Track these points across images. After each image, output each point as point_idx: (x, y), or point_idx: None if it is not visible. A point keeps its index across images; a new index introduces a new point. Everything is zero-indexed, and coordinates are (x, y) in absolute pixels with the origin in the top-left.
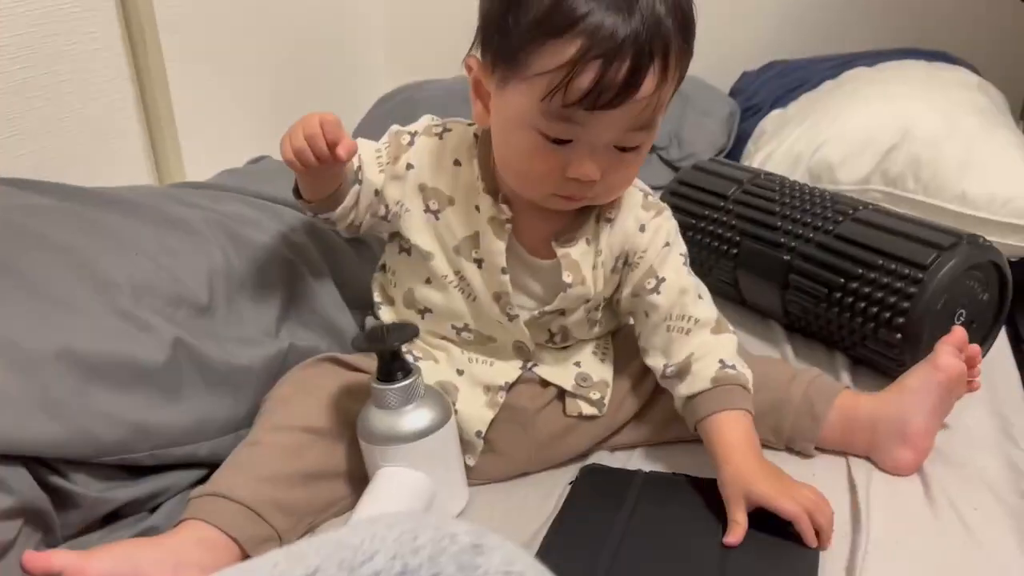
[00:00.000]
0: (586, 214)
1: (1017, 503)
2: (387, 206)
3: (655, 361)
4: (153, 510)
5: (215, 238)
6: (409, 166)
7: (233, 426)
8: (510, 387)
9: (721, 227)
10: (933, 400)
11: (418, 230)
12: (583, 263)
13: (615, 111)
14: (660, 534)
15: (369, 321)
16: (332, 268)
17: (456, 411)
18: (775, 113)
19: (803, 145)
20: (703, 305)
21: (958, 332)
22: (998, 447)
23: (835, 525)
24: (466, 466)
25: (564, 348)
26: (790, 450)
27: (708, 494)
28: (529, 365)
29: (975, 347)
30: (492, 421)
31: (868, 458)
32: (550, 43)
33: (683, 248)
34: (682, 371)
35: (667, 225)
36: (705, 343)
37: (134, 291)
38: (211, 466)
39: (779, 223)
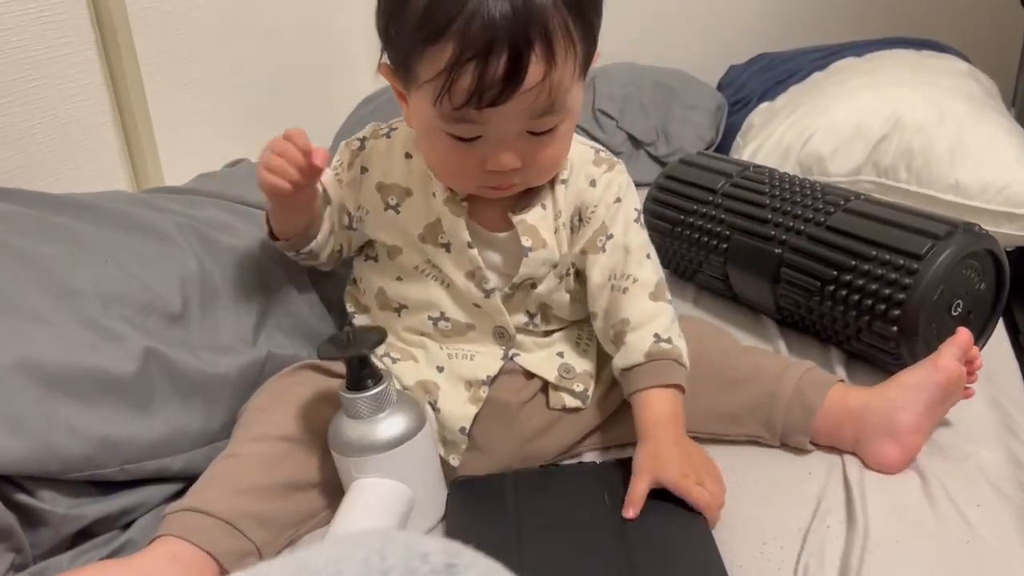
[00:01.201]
0: None
1: (1020, 497)
2: (350, 214)
3: (598, 324)
4: (126, 526)
5: (189, 244)
6: (364, 169)
7: (208, 438)
8: (492, 380)
9: (710, 222)
10: (927, 399)
11: (382, 227)
12: (541, 227)
13: (507, 105)
14: (552, 524)
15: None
16: (311, 273)
17: (438, 410)
18: (763, 106)
19: (792, 137)
20: (647, 266)
21: (963, 335)
22: (998, 440)
23: (829, 526)
24: (449, 466)
25: (546, 335)
26: (785, 446)
27: (581, 477)
28: (511, 354)
29: (975, 349)
30: (476, 417)
31: (854, 453)
32: (428, 50)
33: (636, 203)
34: (618, 337)
35: (619, 179)
36: (643, 311)
37: (102, 300)
38: (185, 480)
39: (769, 216)
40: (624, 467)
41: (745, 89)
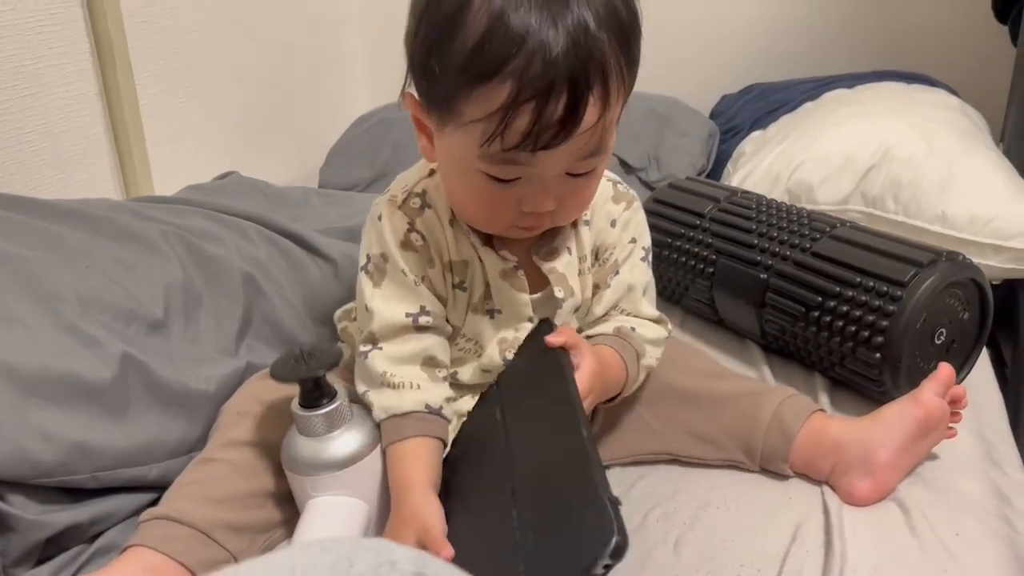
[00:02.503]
0: None
1: (1001, 528)
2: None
3: (579, 313)
4: (94, 538)
5: (174, 252)
6: (431, 261)
7: (186, 448)
8: None
9: (697, 245)
10: (906, 435)
11: (453, 310)
12: (569, 274)
13: (560, 148)
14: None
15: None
16: (295, 284)
17: None
18: (755, 135)
19: (782, 165)
20: (645, 303)
21: (944, 370)
22: (981, 471)
23: (808, 550)
24: None
25: None
26: (765, 471)
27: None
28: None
29: (961, 388)
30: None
31: (827, 483)
32: (479, 90)
33: (648, 241)
34: (597, 321)
35: (636, 217)
36: (635, 319)
37: (82, 305)
38: (161, 489)
39: (756, 241)
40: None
41: (737, 118)
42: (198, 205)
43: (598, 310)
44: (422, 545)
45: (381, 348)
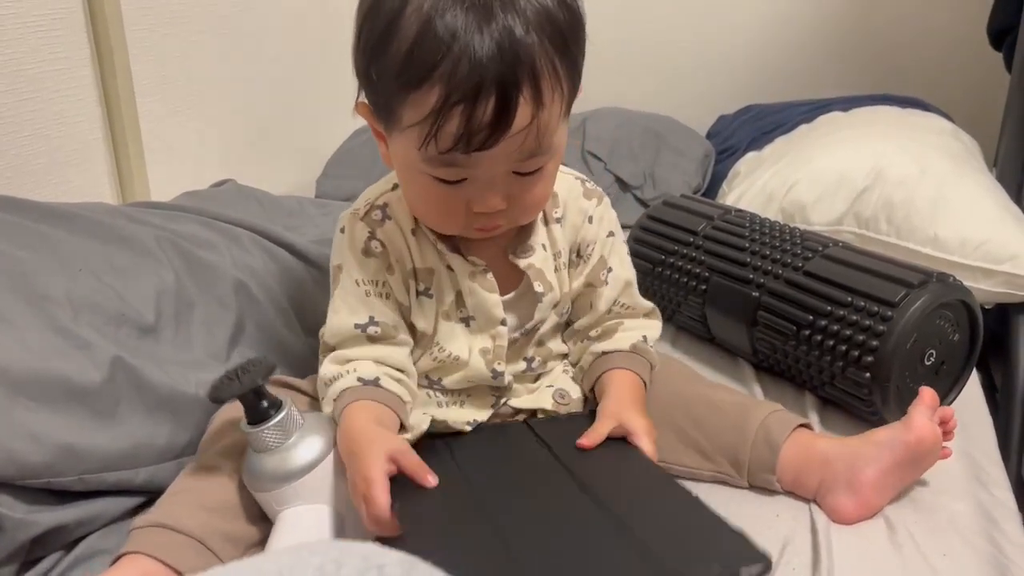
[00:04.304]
0: (532, 222)
1: (988, 550)
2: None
3: (582, 322)
4: (75, 543)
5: (167, 258)
6: (391, 267)
7: (174, 453)
8: (476, 424)
9: (690, 263)
10: (895, 458)
11: (420, 316)
12: (546, 269)
13: (495, 148)
14: (500, 475)
15: None
16: (287, 292)
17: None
18: (750, 155)
19: (776, 185)
20: (638, 295)
21: (928, 393)
22: (968, 492)
23: (795, 568)
24: None
25: (536, 380)
26: (754, 488)
27: (512, 432)
28: (503, 401)
29: (949, 410)
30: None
31: (814, 500)
32: (412, 95)
33: (622, 235)
34: (606, 332)
35: (608, 214)
36: (637, 322)
37: (73, 307)
38: (147, 494)
39: (748, 259)
40: (556, 423)
41: (733, 138)
42: (193, 212)
43: (601, 306)
44: (394, 460)
45: (334, 353)
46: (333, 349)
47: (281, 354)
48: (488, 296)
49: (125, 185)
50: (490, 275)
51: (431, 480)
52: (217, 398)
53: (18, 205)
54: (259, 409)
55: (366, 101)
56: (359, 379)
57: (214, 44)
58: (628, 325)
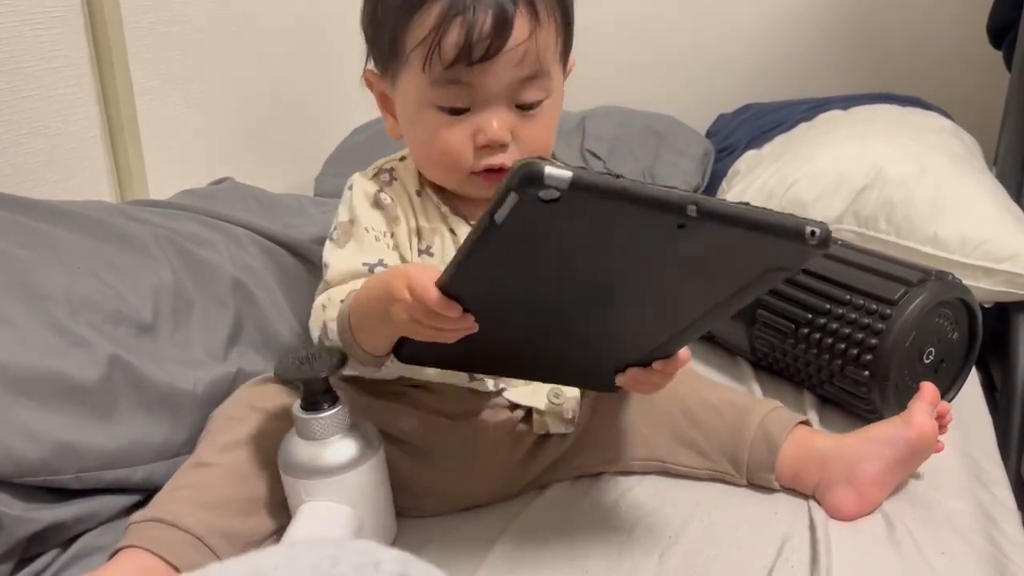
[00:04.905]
0: None
1: (987, 548)
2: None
3: None
4: (71, 541)
5: (165, 256)
6: (396, 219)
7: (171, 451)
8: (474, 414)
9: None
10: (895, 454)
11: None
12: None
13: (497, 61)
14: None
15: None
16: (286, 291)
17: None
18: (750, 154)
19: (776, 183)
20: None
21: (928, 389)
22: (967, 490)
23: (793, 566)
24: (409, 500)
25: None
26: (752, 485)
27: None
28: (499, 387)
29: (946, 405)
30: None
31: (814, 497)
32: (415, 17)
33: None
34: None
35: None
36: None
37: (71, 305)
38: (145, 492)
39: None
40: None
41: (733, 137)
42: (192, 210)
43: None
44: (412, 288)
45: (331, 290)
46: (327, 285)
47: (277, 350)
48: None
49: (124, 183)
50: None
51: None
52: (284, 376)
53: (16, 203)
54: (316, 397)
55: (373, 68)
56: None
57: (213, 42)
58: None
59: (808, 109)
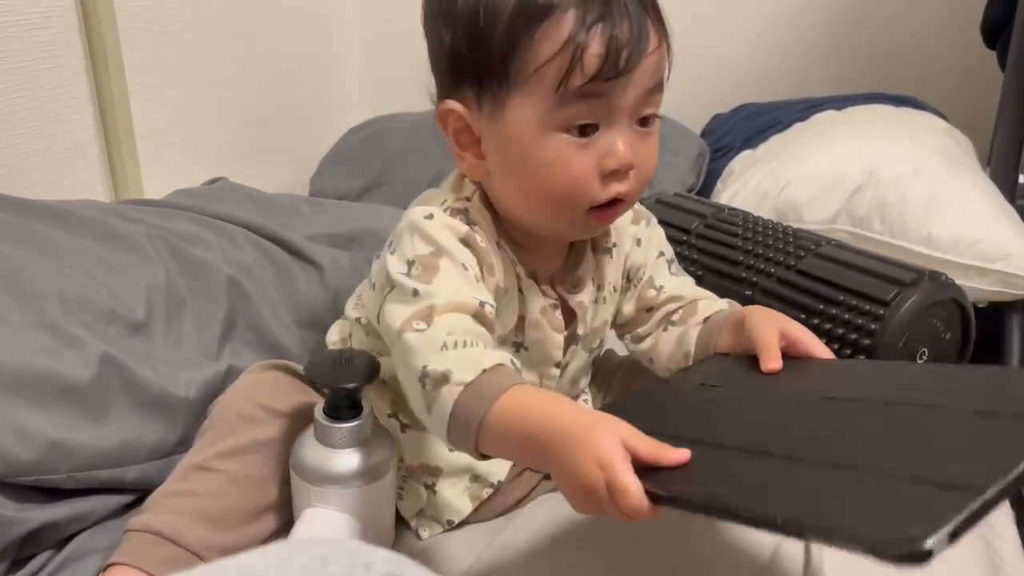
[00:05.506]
0: (582, 246)
1: (981, 549)
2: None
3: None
4: (66, 541)
5: (158, 254)
6: (491, 268)
7: (164, 451)
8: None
9: (683, 261)
10: None
11: None
12: (589, 305)
13: (634, 74)
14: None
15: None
16: (280, 288)
17: (435, 493)
18: (745, 154)
19: (770, 184)
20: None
21: None
22: None
23: (787, 566)
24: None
25: None
26: None
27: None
28: None
29: None
30: None
31: None
32: (539, 28)
33: (671, 253)
34: (688, 313)
35: (656, 234)
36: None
37: (64, 304)
38: (138, 491)
39: (741, 258)
40: (697, 371)
41: (728, 137)
42: (185, 209)
43: (658, 314)
44: (628, 443)
45: (441, 318)
46: (430, 313)
47: (273, 350)
48: (553, 335)
49: (118, 183)
50: (559, 312)
51: (684, 454)
52: (315, 377)
53: (8, 202)
54: (342, 404)
55: (451, 103)
56: (512, 362)
57: (208, 42)
58: (706, 302)
59: (803, 109)
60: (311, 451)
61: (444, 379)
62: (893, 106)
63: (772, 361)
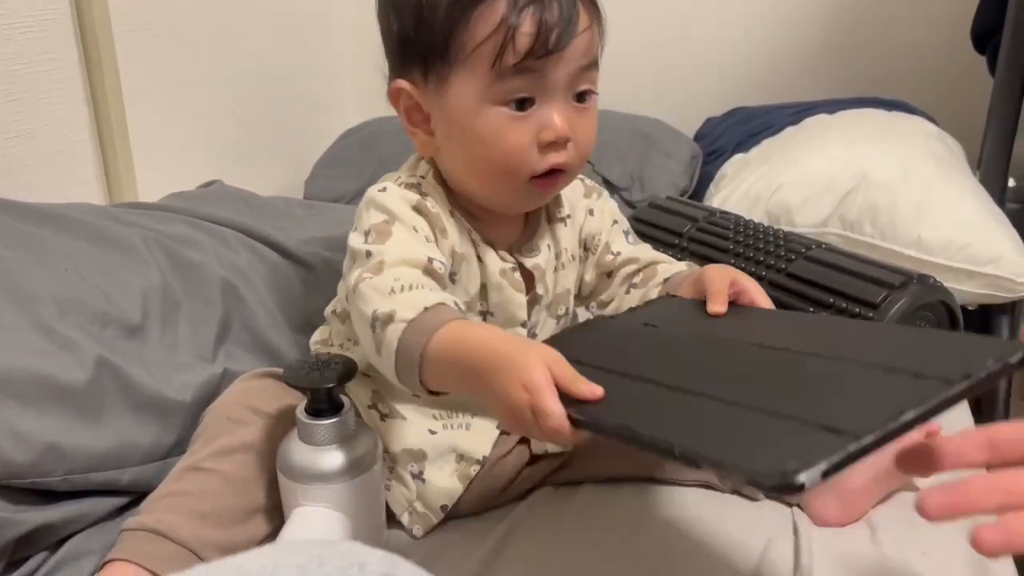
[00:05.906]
0: (536, 218)
1: (969, 548)
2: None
3: (616, 275)
4: (61, 543)
5: (153, 257)
6: (438, 231)
7: (160, 453)
8: (485, 461)
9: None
10: (883, 463)
11: None
12: (548, 270)
13: (565, 52)
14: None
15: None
16: (274, 290)
17: (423, 480)
18: (737, 157)
19: (762, 187)
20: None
21: None
22: None
23: (777, 567)
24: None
25: None
26: (737, 493)
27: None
28: None
29: (936, 425)
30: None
31: (798, 505)
32: (475, 11)
33: (625, 224)
34: (647, 277)
35: (608, 205)
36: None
37: (58, 306)
38: (133, 494)
39: (732, 261)
40: (649, 309)
41: (720, 140)
42: (180, 212)
43: (626, 252)
44: (552, 370)
45: (390, 269)
46: (380, 267)
47: (268, 352)
48: (515, 295)
49: (113, 186)
50: (518, 274)
51: (596, 390)
52: (293, 382)
53: (3, 205)
54: (322, 404)
55: (401, 83)
56: (455, 303)
57: (202, 46)
58: (665, 265)
59: (795, 113)
60: (296, 450)
61: (389, 319)
62: (884, 110)
63: (718, 304)
